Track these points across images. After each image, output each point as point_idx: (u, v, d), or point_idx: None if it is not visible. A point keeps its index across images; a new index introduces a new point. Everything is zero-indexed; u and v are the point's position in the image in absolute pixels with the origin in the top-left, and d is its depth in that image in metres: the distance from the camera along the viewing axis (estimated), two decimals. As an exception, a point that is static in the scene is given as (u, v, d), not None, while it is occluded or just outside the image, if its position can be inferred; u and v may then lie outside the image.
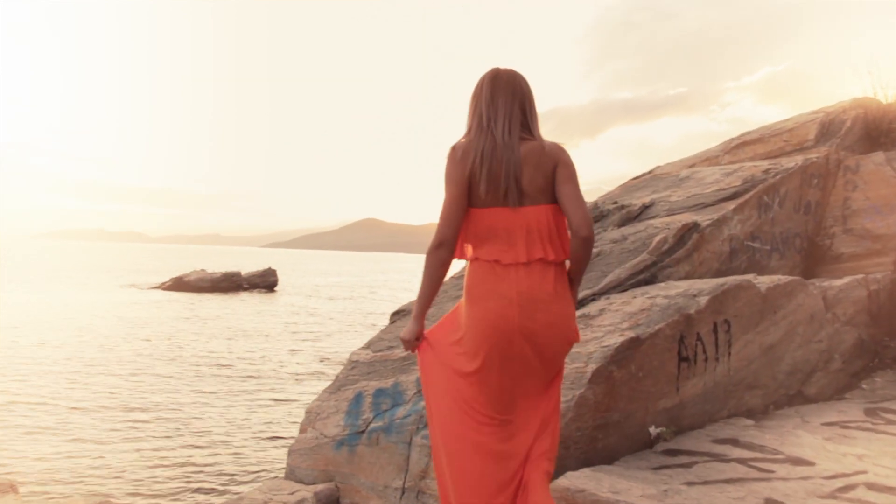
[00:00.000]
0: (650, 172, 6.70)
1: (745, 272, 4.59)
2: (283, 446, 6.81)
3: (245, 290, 33.61)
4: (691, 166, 5.95)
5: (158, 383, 9.98)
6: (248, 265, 49.52)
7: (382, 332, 4.31)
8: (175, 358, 12.60)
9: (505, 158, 2.11)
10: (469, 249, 2.23)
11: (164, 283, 33.98)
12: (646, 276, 4.07)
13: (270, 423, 7.99)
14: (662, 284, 3.89)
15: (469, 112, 2.24)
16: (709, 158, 5.91)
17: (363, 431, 3.46)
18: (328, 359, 13.27)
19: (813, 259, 4.97)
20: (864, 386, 4.30)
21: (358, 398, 3.61)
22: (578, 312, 3.64)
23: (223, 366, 12.13)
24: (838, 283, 4.45)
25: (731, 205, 4.62)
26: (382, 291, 37.40)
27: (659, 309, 3.44)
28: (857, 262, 4.86)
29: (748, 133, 5.96)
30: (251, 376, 11.19)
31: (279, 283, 35.59)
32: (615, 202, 5.43)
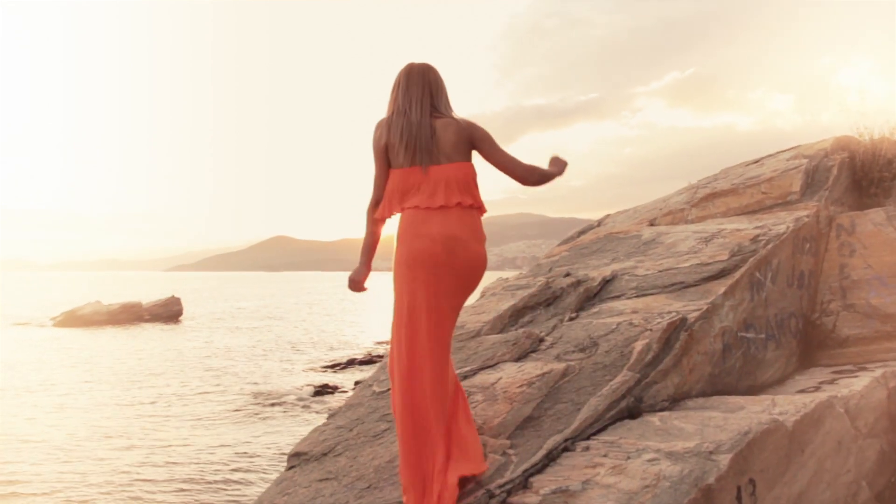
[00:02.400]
0: (599, 224, 5.73)
1: (739, 372, 3.62)
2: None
3: (147, 321, 31.42)
4: (652, 222, 4.99)
5: (33, 449, 8.28)
6: (150, 293, 46.55)
7: (276, 488, 3.08)
8: (59, 409, 10.86)
9: (416, 133, 2.61)
10: (396, 205, 2.65)
11: (54, 319, 31.28)
12: (629, 403, 3.01)
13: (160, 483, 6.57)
14: (657, 423, 2.83)
15: (390, 99, 2.71)
16: (672, 212, 4.96)
17: None
18: (235, 398, 11.86)
19: (811, 342, 4.06)
20: (897, 520, 3.38)
21: None
22: (551, 482, 2.52)
23: (111, 414, 10.55)
24: (858, 387, 3.53)
25: (719, 286, 3.63)
26: (293, 316, 35.62)
27: (669, 485, 2.37)
28: (865, 346, 3.97)
29: (716, 180, 5.06)
30: (145, 426, 9.71)
31: (184, 312, 33.38)
32: (567, 273, 4.39)
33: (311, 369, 16.65)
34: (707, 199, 4.85)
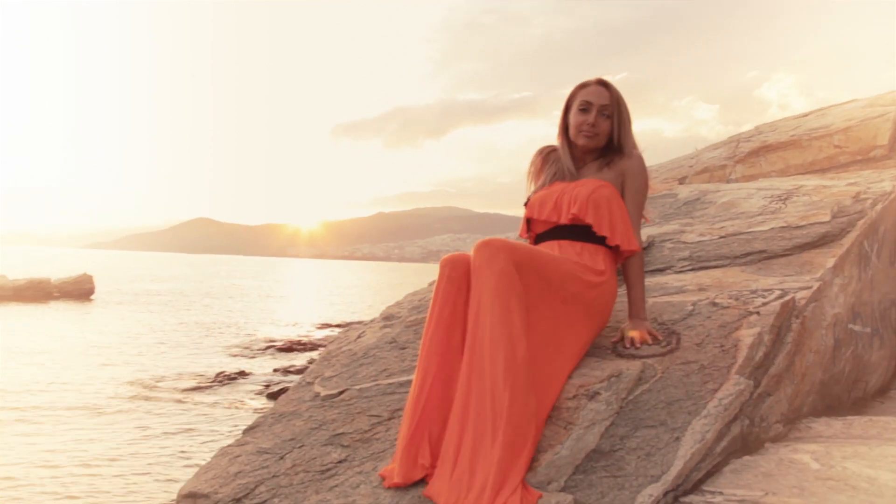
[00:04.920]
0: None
1: (848, 379, 2.56)
2: None
3: (56, 298, 29.27)
4: (682, 179, 3.90)
5: None
6: (62, 269, 43.58)
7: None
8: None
9: None
10: None
11: (-46, 294, 28.78)
12: (743, 429, 1.87)
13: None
14: (813, 465, 1.69)
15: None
16: (708, 169, 3.88)
17: None
18: (136, 383, 10.40)
19: (912, 342, 3.04)
20: None
21: None
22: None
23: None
24: None
25: (824, 257, 2.55)
26: (208, 299, 33.83)
27: None
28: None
29: (763, 133, 4.00)
30: (34, 406, 8.25)
31: (96, 290, 31.10)
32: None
33: (226, 354, 15.32)
34: (757, 153, 3.78)
